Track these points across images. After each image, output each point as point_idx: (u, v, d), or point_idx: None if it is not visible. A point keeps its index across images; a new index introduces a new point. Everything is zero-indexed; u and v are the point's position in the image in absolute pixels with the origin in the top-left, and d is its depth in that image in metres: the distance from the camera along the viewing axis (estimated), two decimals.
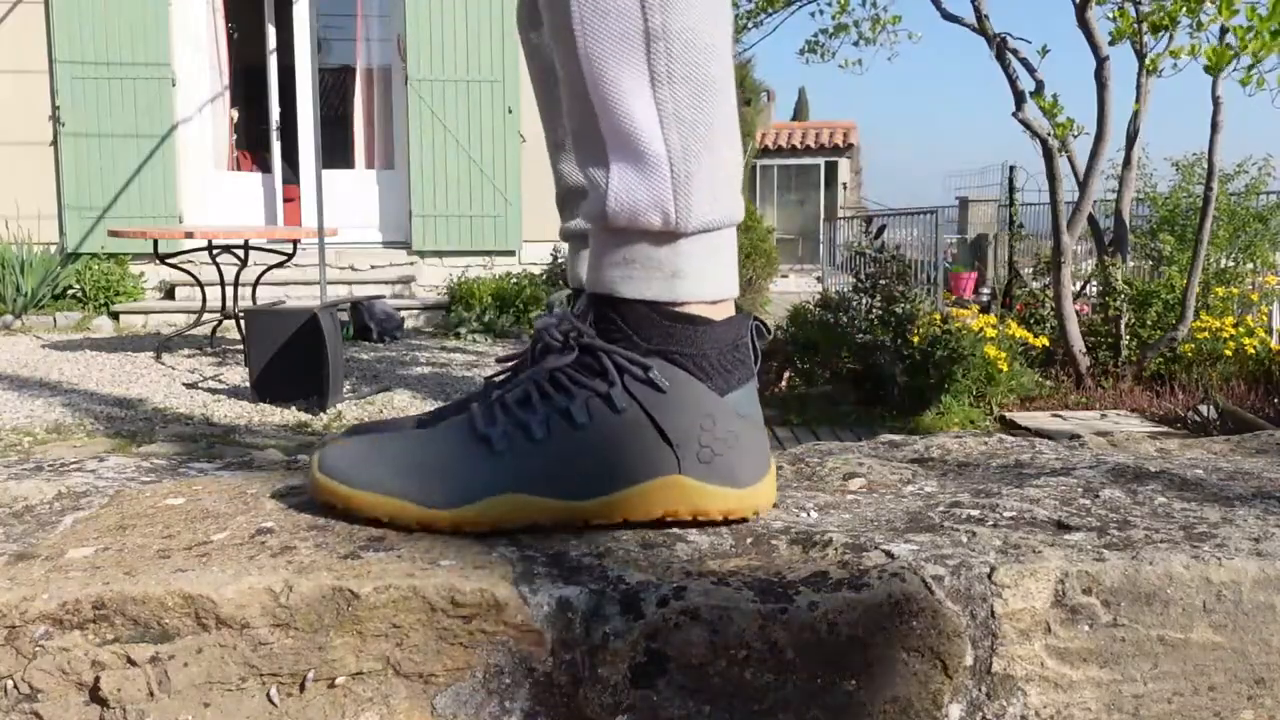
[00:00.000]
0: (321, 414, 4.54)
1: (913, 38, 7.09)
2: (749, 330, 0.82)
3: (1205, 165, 5.23)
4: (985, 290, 11.80)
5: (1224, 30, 4.43)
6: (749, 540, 0.77)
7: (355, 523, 0.77)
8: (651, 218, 0.78)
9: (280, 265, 6.04)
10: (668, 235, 0.79)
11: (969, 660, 0.68)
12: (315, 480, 0.78)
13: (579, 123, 0.81)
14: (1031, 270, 7.32)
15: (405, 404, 4.89)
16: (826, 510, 0.84)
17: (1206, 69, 4.33)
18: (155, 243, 5.83)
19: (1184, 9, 4.50)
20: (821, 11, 6.68)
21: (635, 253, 0.80)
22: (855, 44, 6.79)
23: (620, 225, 0.79)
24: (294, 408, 4.62)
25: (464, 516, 0.76)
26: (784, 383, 5.30)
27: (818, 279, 12.87)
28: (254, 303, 6.20)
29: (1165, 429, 4.28)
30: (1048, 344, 5.50)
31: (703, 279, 0.80)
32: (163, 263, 5.85)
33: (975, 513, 0.82)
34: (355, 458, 0.78)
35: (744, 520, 0.81)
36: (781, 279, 13.12)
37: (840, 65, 7.06)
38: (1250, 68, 4.23)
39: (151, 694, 0.64)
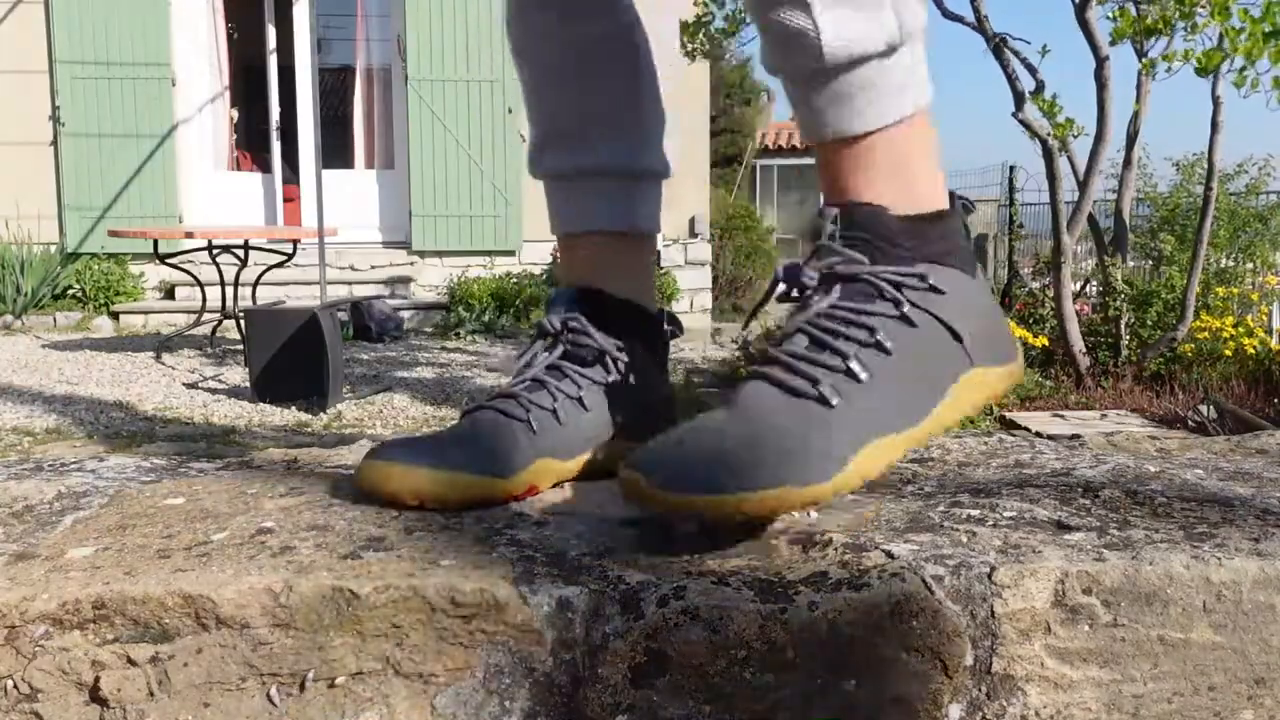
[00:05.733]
0: (321, 414, 4.54)
1: None
2: (960, 208, 0.84)
3: (1206, 165, 5.23)
4: None
5: (1222, 36, 4.43)
6: (749, 540, 0.77)
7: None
8: (874, 40, 0.77)
9: (280, 265, 6.04)
10: (890, 51, 0.78)
11: (969, 660, 0.68)
12: (662, 498, 0.70)
13: None
14: (1031, 270, 7.32)
15: (405, 404, 4.89)
16: (826, 510, 0.84)
17: (1197, 70, 4.33)
18: (155, 243, 5.83)
19: (1178, 13, 4.50)
20: None
21: (854, 82, 0.78)
22: None
23: (839, 61, 0.77)
24: (294, 408, 4.62)
25: (844, 482, 0.72)
26: None
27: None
28: (254, 303, 6.20)
29: (1165, 429, 4.28)
30: (1047, 344, 5.50)
31: (922, 83, 0.81)
32: (163, 263, 5.85)
33: (975, 513, 0.82)
34: (691, 464, 0.71)
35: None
36: None
37: None
38: (1242, 69, 4.23)
39: (151, 694, 0.64)
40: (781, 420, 0.74)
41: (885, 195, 0.80)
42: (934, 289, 0.79)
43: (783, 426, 0.73)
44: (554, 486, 0.89)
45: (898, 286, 0.78)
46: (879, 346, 0.76)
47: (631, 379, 0.95)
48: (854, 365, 0.76)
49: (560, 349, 0.93)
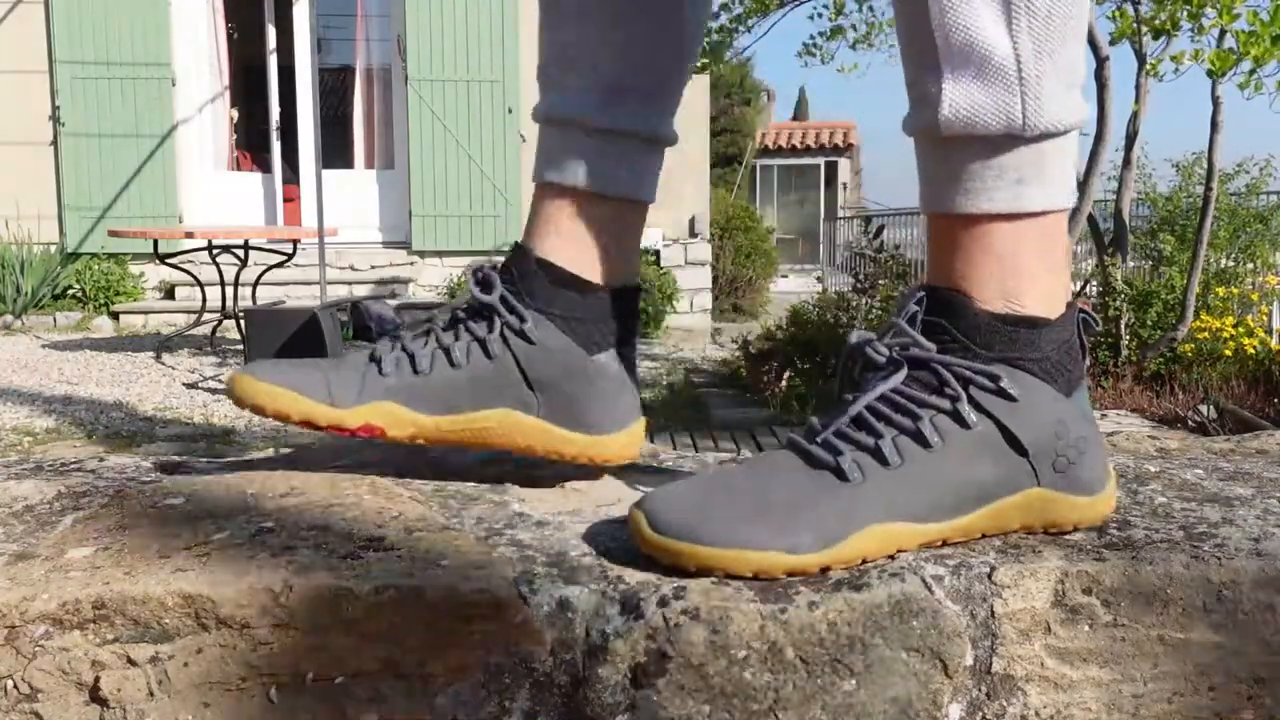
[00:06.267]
0: None
1: None
2: (1077, 324, 0.79)
3: (1205, 166, 5.24)
4: None
5: (1222, 33, 4.43)
6: None
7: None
8: (990, 123, 0.73)
9: (280, 265, 6.04)
10: (1009, 140, 0.74)
11: (969, 660, 0.68)
12: (655, 541, 0.69)
13: (906, 27, 0.77)
14: None
15: None
16: None
17: (1209, 73, 4.33)
18: (155, 243, 5.83)
19: (1185, 14, 4.49)
20: (820, 14, 6.66)
21: (966, 160, 0.75)
22: (852, 47, 6.76)
23: (954, 134, 0.75)
24: None
25: (836, 557, 0.69)
26: (784, 383, 5.30)
27: (818, 279, 12.87)
28: (254, 303, 6.20)
29: (1165, 429, 4.28)
30: None
31: (1053, 184, 0.76)
32: (163, 263, 5.86)
33: None
34: (690, 510, 0.70)
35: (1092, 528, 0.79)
36: (781, 279, 13.12)
37: (839, 70, 7.08)
38: (1251, 72, 4.23)
39: (151, 694, 0.64)
40: (789, 484, 0.72)
41: (979, 286, 0.76)
42: (1003, 393, 0.74)
43: (788, 490, 0.72)
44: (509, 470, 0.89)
45: (964, 383, 0.74)
46: (919, 437, 0.73)
47: (517, 346, 0.86)
48: (884, 447, 0.72)
49: (465, 301, 0.89)
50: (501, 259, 0.92)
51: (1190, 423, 4.35)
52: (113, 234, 6.11)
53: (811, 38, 6.68)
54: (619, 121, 0.89)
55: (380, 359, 0.86)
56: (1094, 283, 6.21)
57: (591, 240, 0.89)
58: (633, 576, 0.68)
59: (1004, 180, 0.75)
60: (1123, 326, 5.49)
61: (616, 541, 0.75)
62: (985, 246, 0.77)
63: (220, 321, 6.24)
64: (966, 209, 0.76)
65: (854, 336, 0.79)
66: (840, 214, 17.41)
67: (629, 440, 0.90)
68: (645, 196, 0.92)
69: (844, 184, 19.79)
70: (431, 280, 8.65)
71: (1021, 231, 0.76)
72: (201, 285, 6.06)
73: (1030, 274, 0.77)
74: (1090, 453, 0.79)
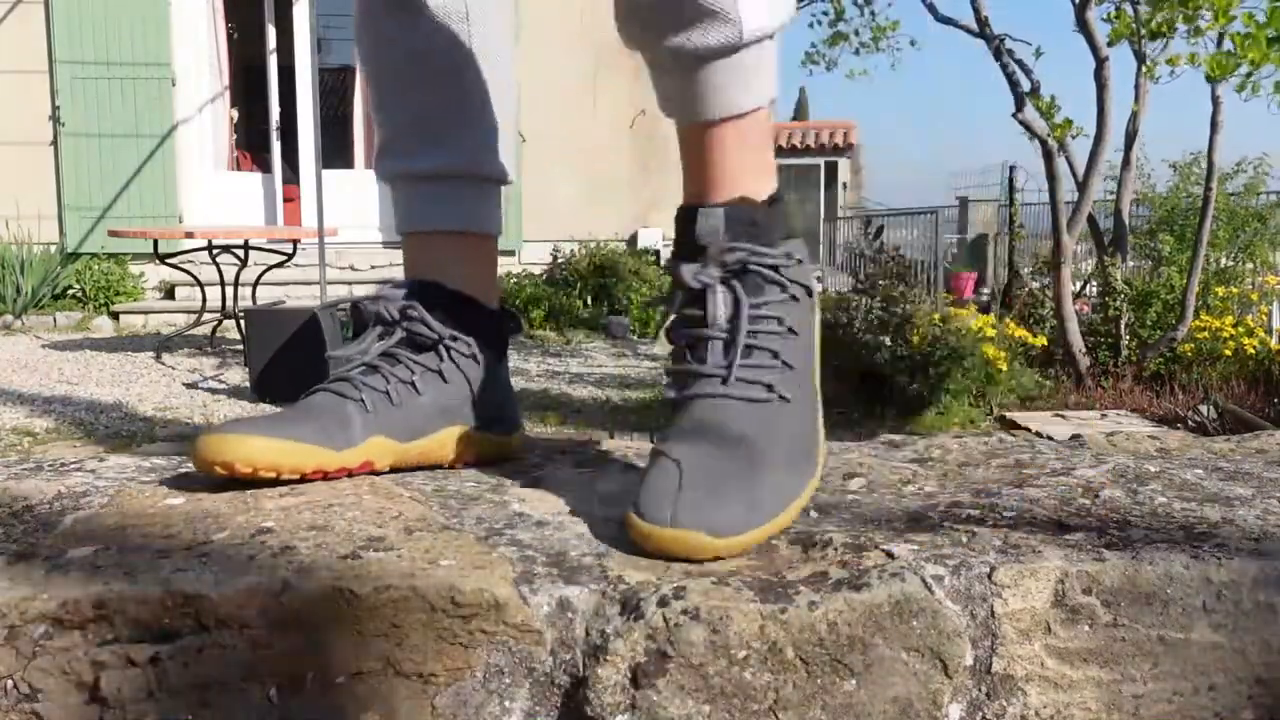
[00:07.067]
0: None
1: (914, 44, 7.05)
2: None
3: (1202, 166, 5.24)
4: (985, 290, 11.79)
5: (1221, 36, 4.43)
6: None
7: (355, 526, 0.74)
8: (780, 18, 0.84)
9: (280, 265, 6.03)
10: (774, 33, 0.85)
11: (969, 660, 0.68)
12: (640, 529, 0.73)
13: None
14: (1031, 270, 7.32)
15: None
16: (826, 510, 0.84)
17: (1208, 77, 4.32)
18: (155, 243, 5.82)
19: (1181, 16, 4.49)
20: (819, 22, 6.65)
21: (754, 58, 0.84)
22: (856, 52, 6.74)
23: (750, 40, 0.83)
24: None
25: (821, 463, 0.84)
26: None
27: (818, 279, 12.88)
28: (254, 303, 6.19)
29: (1165, 429, 4.28)
30: (1047, 344, 5.50)
31: (766, 81, 0.87)
32: (163, 263, 5.85)
33: (975, 513, 0.82)
34: (666, 495, 0.74)
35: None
36: None
37: (847, 76, 7.11)
38: (1248, 75, 4.23)
39: (151, 694, 0.64)
40: (763, 433, 0.79)
41: (754, 183, 0.86)
42: (800, 262, 0.84)
43: (764, 440, 0.79)
44: (487, 470, 0.90)
45: (776, 269, 0.83)
46: (791, 331, 0.82)
47: (468, 369, 0.97)
48: (785, 357, 0.82)
49: (396, 336, 0.96)
50: (369, 292, 1.01)
51: (1190, 423, 4.35)
52: (113, 234, 6.11)
53: (813, 45, 6.67)
54: (481, 169, 1.03)
55: (362, 399, 0.92)
56: (1094, 282, 6.21)
57: (477, 272, 1.03)
58: (633, 576, 0.69)
59: (770, 70, 0.86)
60: (1123, 326, 5.49)
61: (616, 541, 0.75)
62: (757, 138, 0.86)
63: (220, 321, 6.23)
64: (754, 104, 0.85)
65: (684, 269, 0.85)
66: (840, 214, 17.41)
67: (522, 432, 1.06)
68: (495, 231, 1.07)
69: (844, 184, 19.78)
70: None
71: (763, 125, 0.87)
72: (201, 285, 6.06)
73: (770, 162, 0.88)
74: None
